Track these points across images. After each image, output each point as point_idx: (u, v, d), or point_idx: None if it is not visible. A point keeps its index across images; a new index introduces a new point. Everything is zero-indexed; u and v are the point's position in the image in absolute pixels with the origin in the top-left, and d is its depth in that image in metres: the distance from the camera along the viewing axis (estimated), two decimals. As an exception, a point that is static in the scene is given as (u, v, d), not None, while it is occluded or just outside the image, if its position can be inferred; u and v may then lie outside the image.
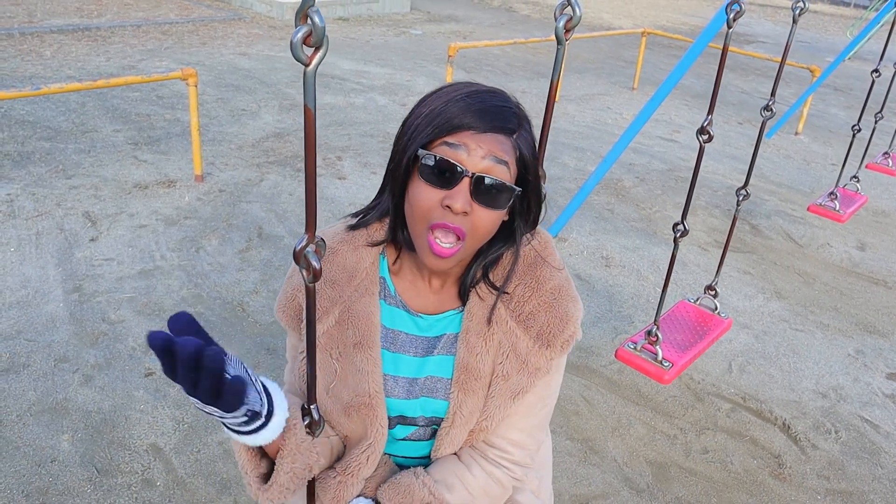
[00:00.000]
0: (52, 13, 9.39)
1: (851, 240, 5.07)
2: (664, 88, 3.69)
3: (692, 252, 4.54)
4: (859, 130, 3.28)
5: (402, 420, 1.25)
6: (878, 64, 3.19)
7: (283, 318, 1.24)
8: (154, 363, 3.02)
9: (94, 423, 2.68)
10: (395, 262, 1.24)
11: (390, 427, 1.25)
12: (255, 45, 8.98)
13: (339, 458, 1.27)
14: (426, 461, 1.31)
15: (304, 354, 1.21)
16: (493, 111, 1.08)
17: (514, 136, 1.09)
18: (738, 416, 3.11)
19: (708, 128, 1.77)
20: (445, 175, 1.05)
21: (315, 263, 0.82)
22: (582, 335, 1.24)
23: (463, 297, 1.22)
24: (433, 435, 1.26)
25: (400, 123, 1.16)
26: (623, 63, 10.42)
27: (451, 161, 1.05)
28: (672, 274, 1.98)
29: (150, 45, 8.36)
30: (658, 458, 2.83)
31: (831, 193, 3.42)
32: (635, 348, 2.11)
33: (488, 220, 1.09)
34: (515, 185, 1.10)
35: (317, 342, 1.13)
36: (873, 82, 3.25)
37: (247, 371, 0.95)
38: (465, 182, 1.05)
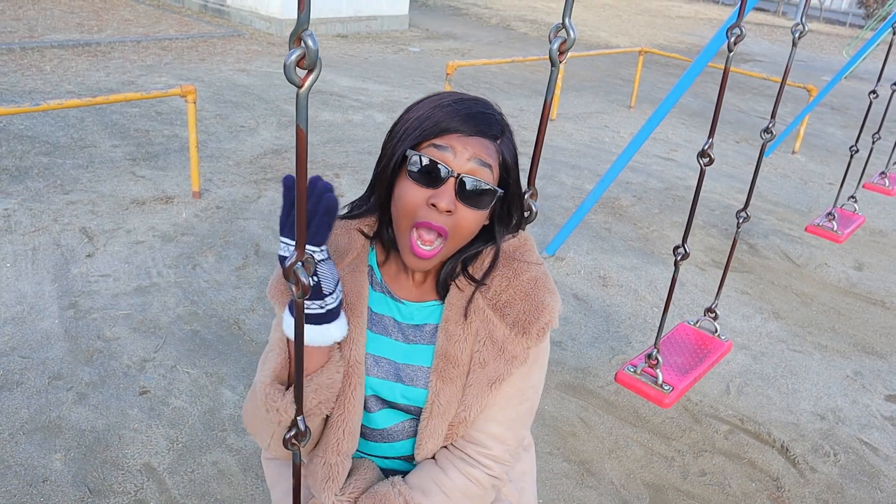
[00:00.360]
0: (53, 28, 9.43)
1: (849, 260, 5.07)
2: (662, 108, 3.71)
3: (690, 272, 4.53)
4: (857, 151, 3.29)
5: (381, 402, 1.27)
6: (876, 85, 3.20)
7: (278, 297, 1.22)
8: (149, 381, 3.00)
9: (88, 442, 2.65)
10: (383, 255, 1.29)
11: (370, 409, 1.27)
12: (254, 61, 9.02)
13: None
14: (411, 464, 1.33)
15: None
16: (478, 117, 1.15)
17: (498, 142, 1.17)
18: (737, 438, 3.09)
19: (709, 151, 1.77)
20: (432, 175, 1.12)
21: (304, 279, 0.84)
22: (558, 325, 1.28)
23: (442, 290, 1.27)
24: (415, 433, 1.28)
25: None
26: (620, 81, 10.48)
27: (438, 162, 1.11)
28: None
29: (149, 60, 8.39)
30: (655, 481, 2.81)
31: (829, 214, 3.42)
32: (635, 372, 2.09)
33: (471, 219, 1.15)
34: (498, 187, 1.17)
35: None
36: (871, 103, 3.27)
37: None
38: (451, 182, 1.12)
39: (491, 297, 1.24)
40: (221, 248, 4.16)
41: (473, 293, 1.24)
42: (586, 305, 4.01)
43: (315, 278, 1.03)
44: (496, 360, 1.22)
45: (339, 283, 1.09)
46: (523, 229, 1.29)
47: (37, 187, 4.69)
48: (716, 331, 2.33)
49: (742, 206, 2.19)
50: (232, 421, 2.83)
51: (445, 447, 1.29)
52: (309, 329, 1.07)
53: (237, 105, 7.02)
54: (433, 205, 1.11)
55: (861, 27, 20.51)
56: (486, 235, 1.24)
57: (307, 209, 0.99)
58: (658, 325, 2.05)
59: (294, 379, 0.98)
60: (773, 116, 2.10)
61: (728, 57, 1.68)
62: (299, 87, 0.73)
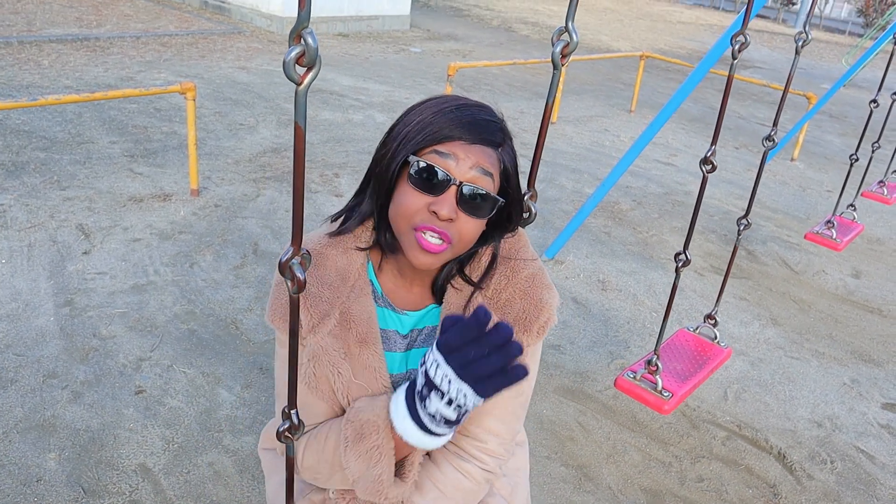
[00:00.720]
0: (52, 22, 9.40)
1: (847, 267, 5.07)
2: (664, 114, 3.70)
3: (689, 277, 4.53)
4: (857, 160, 3.29)
5: None
6: (877, 94, 3.20)
7: (282, 323, 1.21)
8: (145, 381, 2.98)
9: (82, 441, 2.63)
10: (379, 264, 1.28)
11: None
12: (255, 59, 9.00)
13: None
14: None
15: (313, 360, 1.20)
16: (481, 124, 1.14)
17: (500, 150, 1.16)
18: (734, 445, 3.09)
19: (711, 158, 1.76)
20: (433, 182, 1.11)
21: (300, 275, 0.84)
22: (557, 320, 1.27)
23: (440, 293, 1.27)
24: None
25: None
26: (621, 85, 10.48)
27: (441, 169, 1.10)
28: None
29: (148, 56, 8.36)
30: (653, 486, 2.80)
31: (828, 221, 3.42)
32: (635, 377, 2.09)
33: (471, 227, 1.14)
34: (498, 196, 1.16)
35: (323, 343, 1.19)
36: (871, 112, 3.27)
37: None
38: (452, 190, 1.11)
39: (491, 297, 1.23)
40: (219, 247, 4.14)
41: (473, 293, 1.24)
42: (585, 309, 4.00)
43: (460, 411, 1.01)
44: None
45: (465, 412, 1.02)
46: (522, 227, 1.29)
47: (33, 183, 4.66)
48: (715, 337, 2.33)
49: (743, 213, 2.19)
50: (228, 422, 2.82)
51: None
52: (422, 437, 1.05)
53: (237, 103, 7.00)
54: (434, 212, 1.10)
55: (860, 36, 20.57)
56: (483, 237, 1.23)
57: (482, 342, 0.95)
58: (657, 330, 2.04)
59: (287, 376, 0.97)
60: (774, 124, 2.09)
61: (732, 64, 1.67)
62: (298, 84, 0.73)
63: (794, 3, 25.76)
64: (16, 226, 4.08)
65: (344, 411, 1.23)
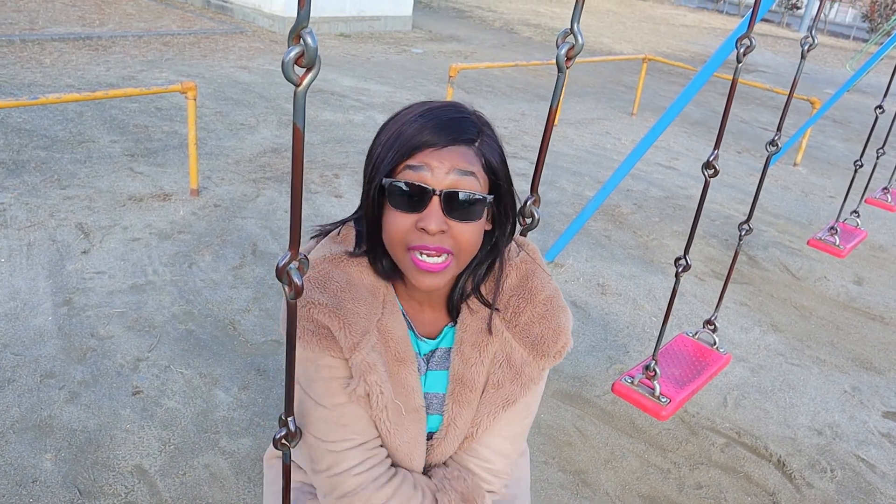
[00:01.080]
0: (54, 21, 9.40)
1: (849, 274, 5.05)
2: (666, 117, 3.69)
3: (689, 282, 4.51)
4: (861, 166, 3.27)
5: None
6: (882, 100, 3.18)
7: (318, 347, 1.14)
8: (142, 381, 2.96)
9: (79, 442, 2.62)
10: (394, 285, 1.24)
11: None
12: (256, 58, 8.99)
13: None
14: None
15: (357, 383, 1.15)
16: (449, 124, 1.08)
17: (477, 145, 1.09)
18: (733, 452, 3.07)
19: (714, 162, 1.74)
20: (414, 198, 1.06)
21: (297, 280, 0.83)
22: (572, 344, 1.24)
23: (453, 312, 1.23)
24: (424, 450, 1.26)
25: None
26: (623, 88, 10.46)
27: (417, 183, 1.05)
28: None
29: (150, 55, 8.36)
30: (651, 493, 2.78)
31: (831, 228, 3.41)
32: (632, 382, 2.07)
33: (469, 233, 1.08)
34: (490, 192, 1.10)
35: (369, 359, 1.14)
36: (877, 118, 3.25)
37: None
38: (435, 201, 1.05)
39: (510, 319, 1.19)
40: (218, 247, 4.13)
41: (491, 315, 1.20)
42: (584, 313, 3.98)
43: None
44: (512, 382, 1.20)
45: None
46: (524, 236, 1.25)
47: (33, 181, 4.65)
48: (714, 343, 2.31)
49: (745, 219, 2.17)
50: (225, 423, 2.80)
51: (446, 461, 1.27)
52: None
53: (238, 102, 6.99)
54: (422, 228, 1.05)
55: (865, 41, 20.56)
56: (490, 241, 1.18)
57: None
58: (657, 334, 2.02)
59: (284, 382, 0.96)
60: (779, 129, 2.08)
61: (737, 68, 1.65)
62: (297, 85, 0.72)
63: (798, 7, 25.76)
64: (15, 224, 4.07)
65: (376, 429, 1.19)
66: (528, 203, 1.18)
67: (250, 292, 3.72)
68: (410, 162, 1.06)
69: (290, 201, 0.81)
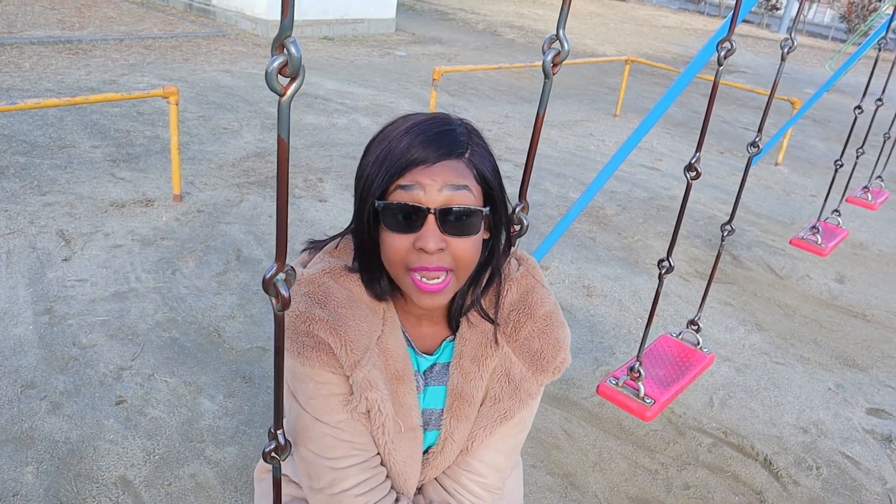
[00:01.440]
0: (33, 24, 9.30)
1: (831, 272, 5.10)
2: (649, 119, 3.70)
3: (673, 282, 4.53)
4: (842, 165, 3.29)
5: None
6: (861, 100, 3.21)
7: (318, 364, 1.12)
8: (125, 391, 2.93)
9: (61, 453, 2.58)
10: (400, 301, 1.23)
11: None
12: (239, 62, 8.94)
13: None
14: None
15: (358, 400, 1.13)
16: (437, 139, 1.05)
17: (467, 156, 1.07)
18: (720, 451, 3.08)
19: (696, 165, 1.75)
20: (408, 219, 1.04)
21: (284, 292, 0.81)
22: (571, 360, 1.24)
23: (452, 325, 1.21)
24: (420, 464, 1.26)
25: None
26: (606, 90, 10.51)
27: (410, 203, 1.03)
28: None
29: (132, 59, 8.29)
30: (639, 494, 2.79)
31: (813, 227, 3.43)
32: (617, 384, 2.07)
33: (467, 247, 1.07)
34: (484, 202, 1.09)
35: (370, 377, 1.13)
36: (856, 118, 3.28)
37: None
38: (430, 220, 1.03)
39: (510, 333, 1.19)
40: (202, 253, 4.09)
41: (495, 330, 1.19)
42: (570, 315, 3.99)
43: None
44: (511, 397, 1.19)
45: None
46: (514, 245, 1.24)
47: (12, 188, 4.59)
48: (698, 343, 2.32)
49: (727, 219, 2.18)
50: (210, 432, 2.78)
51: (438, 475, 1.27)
52: None
53: (220, 106, 6.94)
54: (421, 248, 1.04)
55: (843, 41, 20.78)
56: (486, 251, 1.16)
57: None
58: (641, 336, 2.03)
59: (274, 394, 0.95)
60: (759, 130, 2.09)
61: (718, 70, 1.66)
62: (281, 95, 0.71)
63: (777, 8, 26.00)
64: (-6, 232, 4.02)
65: (375, 446, 1.19)
66: (517, 210, 1.17)
67: (235, 299, 3.69)
68: (401, 182, 1.04)
69: (274, 206, 0.79)
